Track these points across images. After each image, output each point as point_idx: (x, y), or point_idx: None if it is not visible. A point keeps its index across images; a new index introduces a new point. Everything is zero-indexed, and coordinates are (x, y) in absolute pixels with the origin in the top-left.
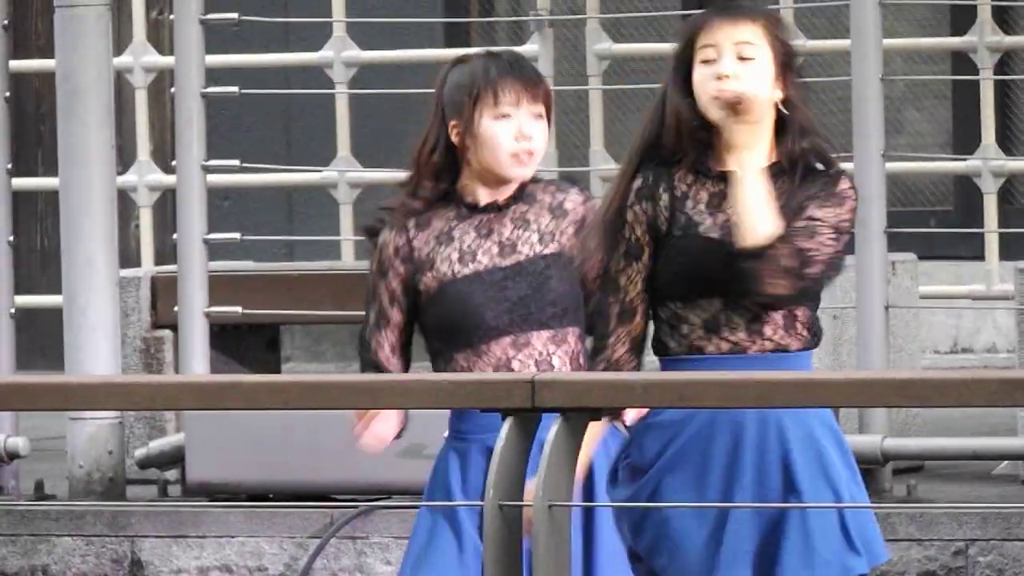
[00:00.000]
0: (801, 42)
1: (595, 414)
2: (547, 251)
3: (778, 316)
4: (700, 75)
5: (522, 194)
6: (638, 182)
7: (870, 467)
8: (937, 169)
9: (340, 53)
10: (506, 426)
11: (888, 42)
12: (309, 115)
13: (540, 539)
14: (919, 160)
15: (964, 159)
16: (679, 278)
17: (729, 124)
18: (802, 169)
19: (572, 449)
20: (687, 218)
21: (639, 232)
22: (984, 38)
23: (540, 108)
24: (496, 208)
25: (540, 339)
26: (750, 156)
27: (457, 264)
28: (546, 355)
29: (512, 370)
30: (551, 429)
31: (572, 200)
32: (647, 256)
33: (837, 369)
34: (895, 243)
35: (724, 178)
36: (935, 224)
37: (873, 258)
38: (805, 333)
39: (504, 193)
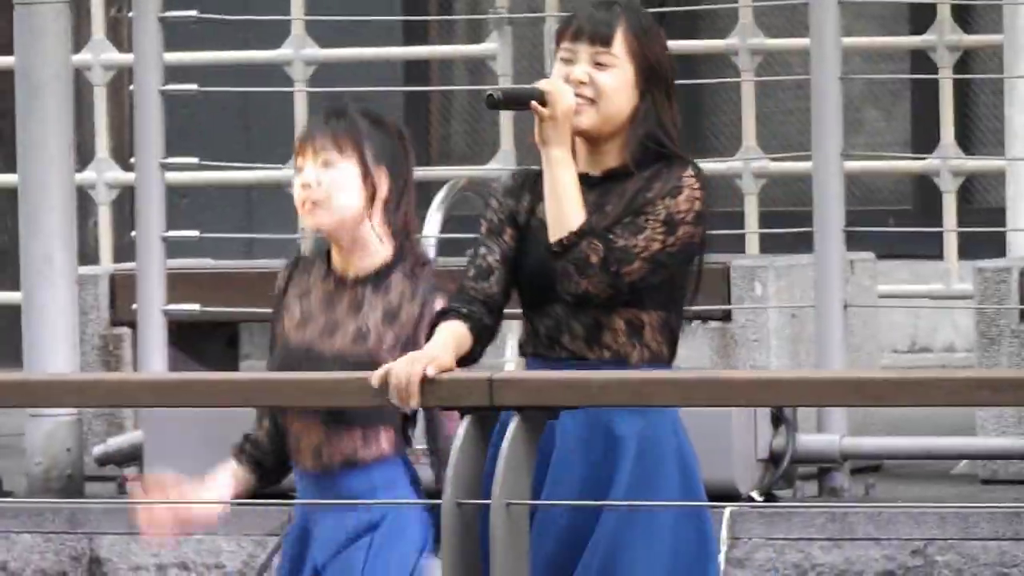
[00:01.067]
0: (760, 40)
1: (552, 412)
2: (357, 351)
3: (620, 323)
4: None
5: (382, 273)
6: (509, 182)
7: (828, 466)
8: (896, 168)
9: (299, 51)
10: (464, 424)
11: (847, 41)
12: (268, 113)
13: (498, 538)
14: (878, 159)
15: (923, 158)
16: (525, 283)
17: (536, 121)
18: (643, 164)
19: (530, 448)
20: (539, 222)
21: (500, 218)
22: (943, 37)
23: (329, 155)
24: (343, 282)
25: (351, 436)
26: (558, 153)
27: (292, 329)
28: (353, 451)
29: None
30: (509, 427)
31: (403, 293)
32: (508, 237)
33: (795, 368)
34: (854, 242)
35: (585, 180)
36: (894, 223)
37: (831, 257)
38: (653, 344)
39: (355, 266)
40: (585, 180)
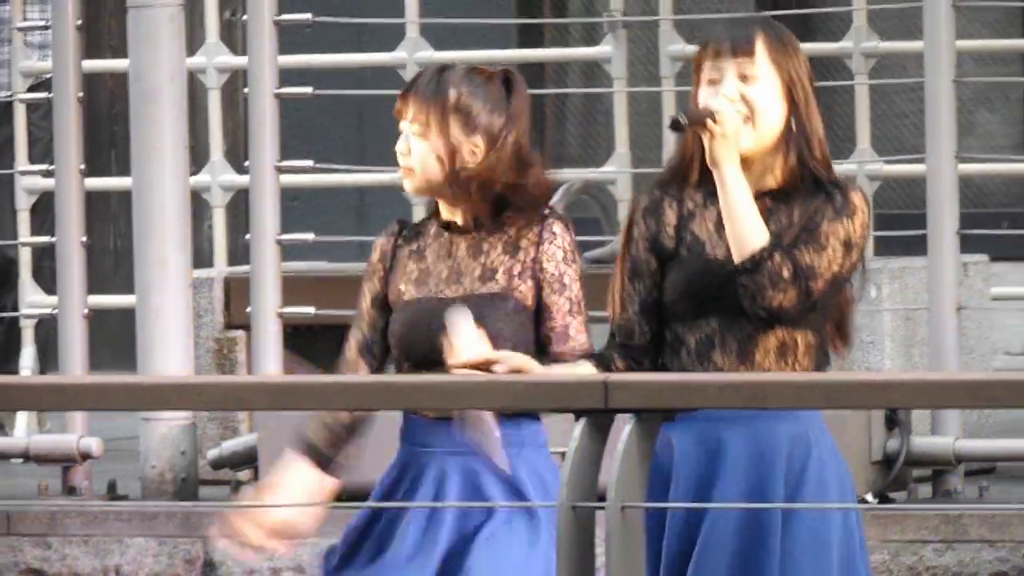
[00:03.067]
0: (874, 44)
1: (668, 415)
2: (484, 290)
3: (773, 341)
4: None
5: (490, 219)
6: (645, 200)
7: (942, 468)
8: (1009, 171)
9: (413, 54)
10: (579, 427)
11: (961, 43)
12: (382, 116)
13: (613, 541)
14: (991, 162)
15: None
16: (680, 296)
17: (707, 140)
18: (810, 185)
19: (645, 451)
20: (693, 237)
21: (642, 248)
22: None
23: (417, 126)
24: (457, 229)
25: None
26: (733, 170)
27: (413, 285)
28: None
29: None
30: (624, 430)
31: (533, 237)
32: (649, 275)
33: (909, 370)
34: (967, 244)
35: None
36: (1007, 225)
37: (945, 259)
38: (803, 364)
39: (459, 214)
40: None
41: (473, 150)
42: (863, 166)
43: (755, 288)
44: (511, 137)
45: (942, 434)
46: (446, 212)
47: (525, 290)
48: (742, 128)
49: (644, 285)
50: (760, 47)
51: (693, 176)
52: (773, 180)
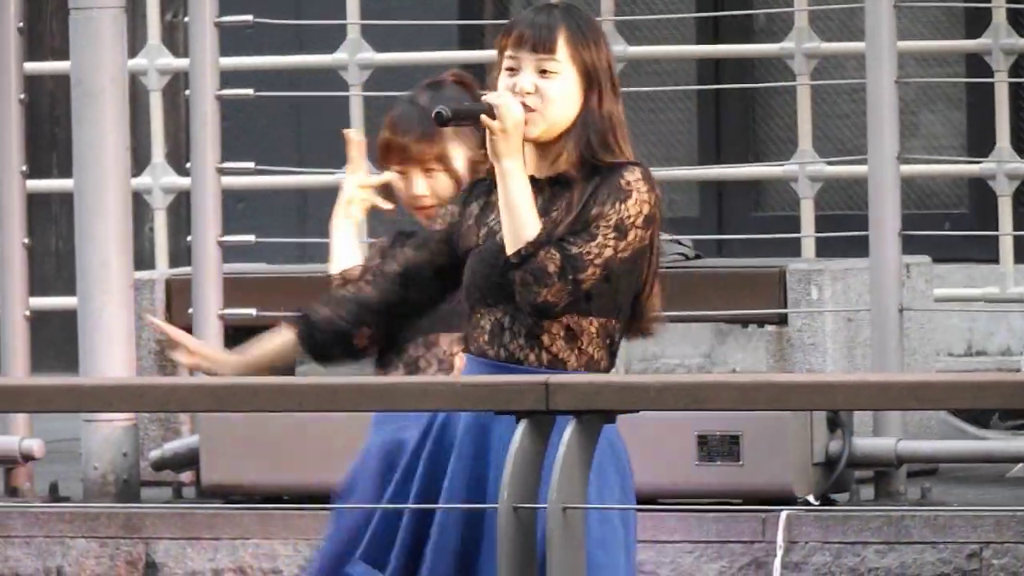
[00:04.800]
0: (815, 45)
1: (608, 416)
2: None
3: (559, 328)
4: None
5: None
6: (464, 192)
7: (884, 469)
8: (952, 172)
9: (354, 55)
10: (520, 429)
11: (903, 44)
12: (323, 117)
13: (554, 542)
14: (934, 163)
15: (979, 161)
16: (472, 282)
17: (488, 136)
18: (590, 171)
19: (586, 452)
20: (488, 229)
21: (438, 225)
22: (999, 40)
23: (429, 164)
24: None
25: (446, 340)
26: (510, 164)
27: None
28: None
29: (419, 368)
30: (564, 431)
31: None
32: (422, 250)
33: (852, 372)
34: (910, 245)
35: (533, 183)
36: (950, 227)
37: (887, 260)
38: (590, 350)
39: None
40: (534, 184)
41: (475, 159)
42: (804, 167)
43: (522, 283)
44: None
45: (884, 435)
46: None
47: None
48: (521, 122)
49: (417, 256)
50: (561, 43)
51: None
52: (562, 164)
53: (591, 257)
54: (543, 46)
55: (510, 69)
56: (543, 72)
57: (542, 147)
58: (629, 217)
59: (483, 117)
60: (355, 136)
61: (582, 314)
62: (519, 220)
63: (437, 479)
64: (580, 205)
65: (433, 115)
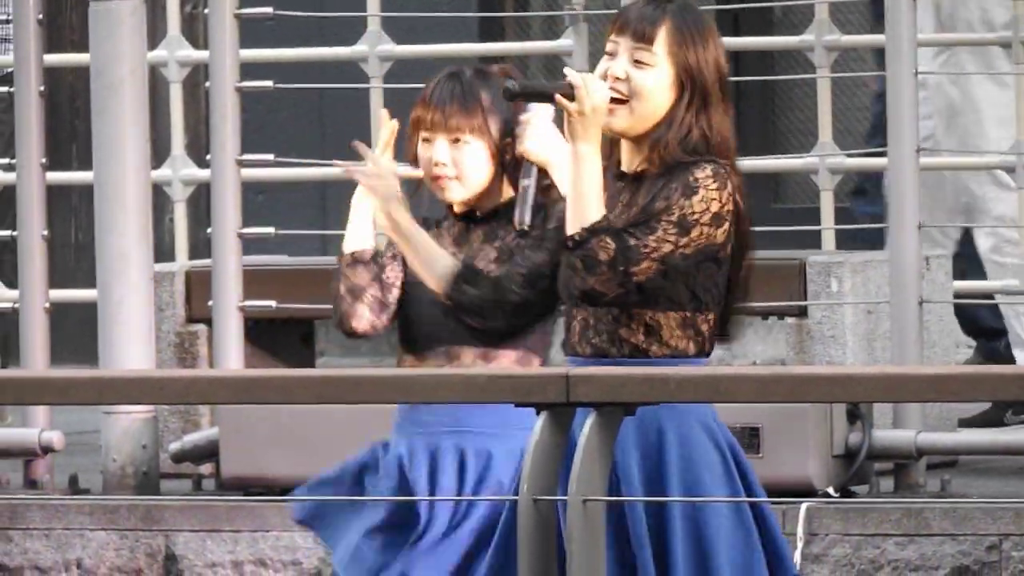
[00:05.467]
0: (835, 37)
1: (629, 409)
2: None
3: (637, 323)
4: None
5: (506, 209)
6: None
7: (904, 462)
8: (973, 164)
9: (374, 47)
10: (540, 421)
11: (923, 37)
12: (343, 109)
13: (574, 534)
14: (954, 155)
15: (1001, 154)
16: (561, 282)
17: (566, 117)
18: (665, 169)
19: (606, 444)
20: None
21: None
22: (1019, 33)
23: (459, 134)
24: (474, 219)
25: (469, 355)
26: (584, 148)
27: None
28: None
29: None
30: (586, 424)
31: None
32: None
33: (871, 364)
34: (929, 238)
35: (623, 177)
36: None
37: (907, 253)
38: (673, 341)
39: (482, 207)
40: (622, 177)
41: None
42: (824, 159)
43: (572, 268)
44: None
45: (904, 427)
46: (460, 207)
47: None
48: (603, 107)
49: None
50: (661, 38)
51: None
52: (648, 163)
53: (648, 251)
54: (642, 35)
55: (609, 54)
56: (638, 63)
57: (636, 141)
58: (693, 214)
59: (558, 97)
60: (388, 119)
61: (656, 309)
62: (582, 205)
63: None
64: (648, 199)
65: (502, 90)
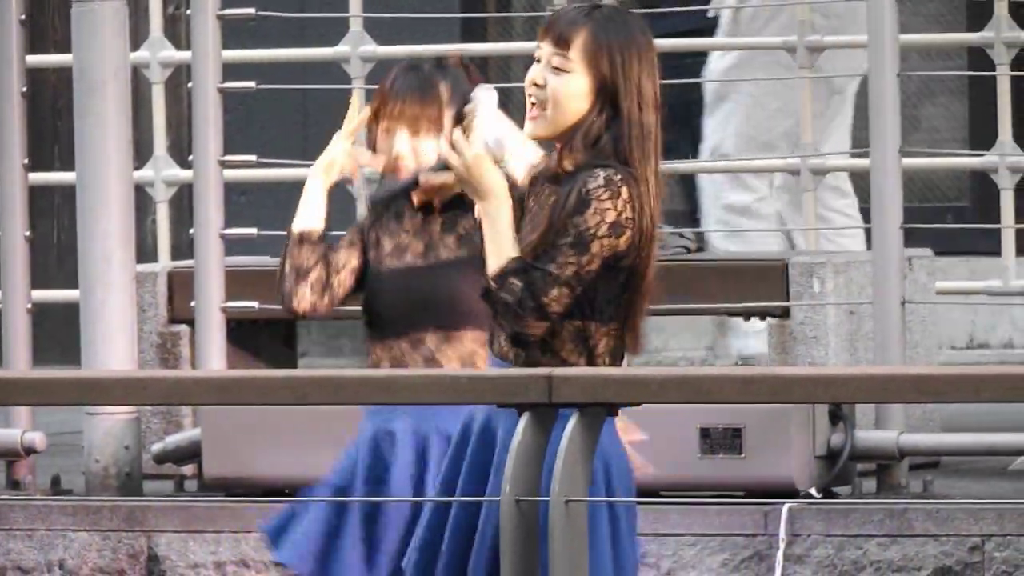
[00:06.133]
0: (817, 38)
1: (611, 409)
2: (459, 254)
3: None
4: None
5: (464, 199)
6: None
7: (887, 463)
8: (954, 165)
9: (357, 48)
10: (523, 421)
11: (904, 38)
12: (326, 110)
13: (556, 534)
14: (936, 156)
15: (981, 155)
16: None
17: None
18: (570, 176)
19: (589, 444)
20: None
21: None
22: (1001, 34)
23: (419, 125)
24: (432, 210)
25: (432, 339)
26: (480, 207)
27: (387, 258)
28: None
29: (404, 367)
30: (568, 425)
31: None
32: None
33: (854, 365)
34: (912, 239)
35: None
36: (952, 220)
37: (890, 254)
38: (563, 353)
39: (442, 196)
40: (555, 178)
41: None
42: (807, 160)
43: (494, 314)
44: None
45: (886, 428)
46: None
47: None
48: (480, 156)
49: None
50: (577, 44)
51: None
52: (566, 165)
53: (552, 278)
54: (559, 40)
55: (536, 59)
56: (556, 68)
57: (561, 144)
58: (588, 229)
59: (421, 180)
60: (359, 102)
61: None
62: (493, 253)
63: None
64: (550, 214)
65: (368, 203)
